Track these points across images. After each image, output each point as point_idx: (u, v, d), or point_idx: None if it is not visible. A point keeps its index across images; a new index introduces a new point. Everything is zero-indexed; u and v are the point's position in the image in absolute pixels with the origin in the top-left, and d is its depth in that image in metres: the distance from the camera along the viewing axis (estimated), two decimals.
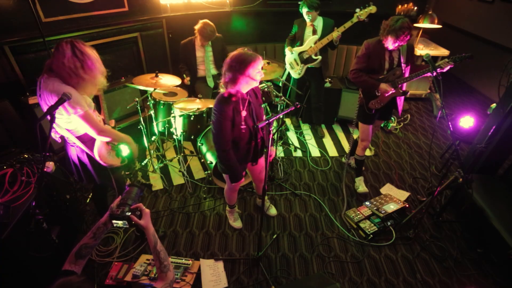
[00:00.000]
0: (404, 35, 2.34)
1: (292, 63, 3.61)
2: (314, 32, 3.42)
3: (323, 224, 2.80)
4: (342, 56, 4.78)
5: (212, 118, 1.93)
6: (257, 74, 1.86)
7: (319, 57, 3.47)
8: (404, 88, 2.66)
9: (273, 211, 2.87)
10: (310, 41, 3.41)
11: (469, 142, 3.34)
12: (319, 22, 3.39)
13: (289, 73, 3.75)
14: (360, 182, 3.13)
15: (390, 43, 2.43)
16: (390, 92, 2.56)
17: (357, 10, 3.07)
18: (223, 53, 3.65)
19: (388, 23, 2.39)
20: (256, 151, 2.21)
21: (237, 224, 2.73)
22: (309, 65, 3.53)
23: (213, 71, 3.71)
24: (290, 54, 3.57)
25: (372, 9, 3.01)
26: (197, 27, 3.35)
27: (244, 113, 1.95)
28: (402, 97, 2.74)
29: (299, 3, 3.33)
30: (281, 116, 2.53)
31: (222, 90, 1.93)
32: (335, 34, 3.19)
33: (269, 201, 2.96)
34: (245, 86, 1.89)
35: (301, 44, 3.49)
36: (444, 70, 2.30)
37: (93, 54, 1.75)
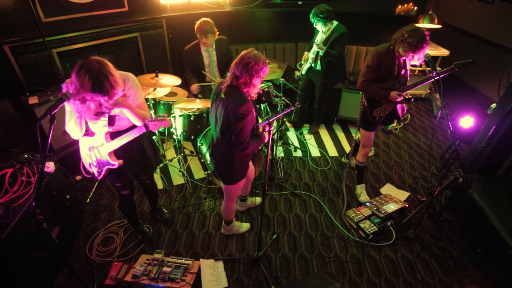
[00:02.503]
0: (428, 45, 2.26)
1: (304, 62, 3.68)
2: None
3: (323, 224, 2.79)
4: (345, 55, 4.77)
5: (237, 120, 1.80)
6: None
7: (308, 64, 3.50)
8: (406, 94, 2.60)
9: (258, 199, 2.94)
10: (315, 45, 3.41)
11: (469, 142, 3.34)
12: (331, 27, 3.28)
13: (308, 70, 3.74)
14: (362, 190, 3.07)
15: (416, 58, 2.31)
16: (399, 99, 2.51)
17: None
18: (228, 57, 3.46)
19: (408, 40, 2.22)
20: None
21: (245, 227, 2.71)
22: (308, 66, 3.55)
23: (217, 78, 3.44)
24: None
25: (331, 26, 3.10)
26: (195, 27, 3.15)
27: (254, 113, 1.95)
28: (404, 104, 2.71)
29: (314, 19, 3.20)
30: (281, 116, 2.53)
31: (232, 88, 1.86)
32: (315, 47, 3.23)
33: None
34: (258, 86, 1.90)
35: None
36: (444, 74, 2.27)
37: (82, 89, 1.60)
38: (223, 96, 1.85)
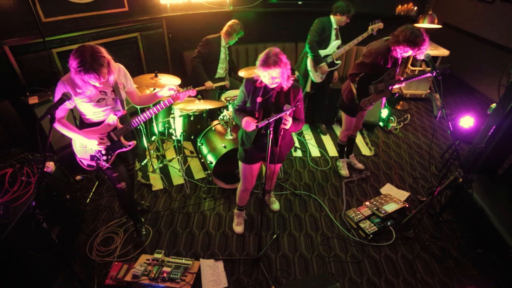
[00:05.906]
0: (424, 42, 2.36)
1: (317, 67, 3.46)
2: (337, 36, 3.39)
3: (323, 224, 2.80)
4: (342, 56, 4.76)
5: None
6: (264, 77, 1.95)
7: (339, 62, 3.53)
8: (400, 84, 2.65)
9: (275, 206, 2.90)
10: (334, 45, 3.39)
11: (469, 142, 3.34)
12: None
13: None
14: (343, 164, 3.35)
15: (411, 53, 2.41)
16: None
17: (370, 23, 3.19)
18: (230, 57, 3.77)
19: (404, 37, 2.33)
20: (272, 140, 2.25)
21: (239, 229, 2.68)
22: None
23: (225, 74, 3.71)
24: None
25: (380, 25, 3.16)
26: (226, 28, 3.47)
27: (259, 99, 2.06)
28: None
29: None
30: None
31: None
32: (354, 42, 3.25)
33: (274, 196, 2.97)
34: (263, 79, 2.00)
35: (326, 48, 3.39)
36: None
37: (74, 63, 1.67)
38: None
